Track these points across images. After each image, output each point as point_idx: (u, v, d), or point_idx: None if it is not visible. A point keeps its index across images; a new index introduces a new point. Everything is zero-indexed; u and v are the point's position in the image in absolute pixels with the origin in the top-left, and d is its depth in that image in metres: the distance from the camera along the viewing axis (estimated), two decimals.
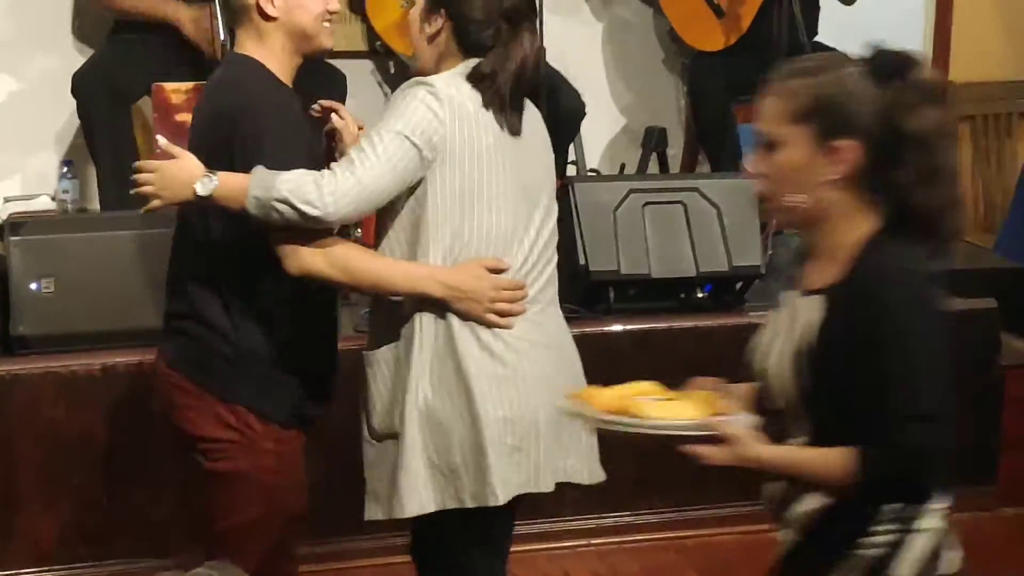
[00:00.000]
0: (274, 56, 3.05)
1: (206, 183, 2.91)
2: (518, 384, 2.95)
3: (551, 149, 3.14)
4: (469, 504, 2.92)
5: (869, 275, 2.31)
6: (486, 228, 2.94)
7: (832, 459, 2.30)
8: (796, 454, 2.36)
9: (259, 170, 2.88)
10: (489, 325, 2.93)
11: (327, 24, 3.10)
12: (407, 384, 2.94)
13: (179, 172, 2.93)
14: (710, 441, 2.35)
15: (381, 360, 3.01)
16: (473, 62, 2.96)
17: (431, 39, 3.01)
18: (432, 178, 2.91)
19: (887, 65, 2.36)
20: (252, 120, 2.97)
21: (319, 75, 4.45)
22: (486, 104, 2.93)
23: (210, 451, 3.08)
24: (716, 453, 2.36)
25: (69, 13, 5.57)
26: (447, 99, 2.90)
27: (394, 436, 2.96)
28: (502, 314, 2.94)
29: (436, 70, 2.99)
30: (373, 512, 3.02)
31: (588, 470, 3.12)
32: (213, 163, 2.93)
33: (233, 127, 2.97)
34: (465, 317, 2.93)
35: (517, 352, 2.96)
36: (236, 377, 3.06)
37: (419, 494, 2.92)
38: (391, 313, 2.99)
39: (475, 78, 2.94)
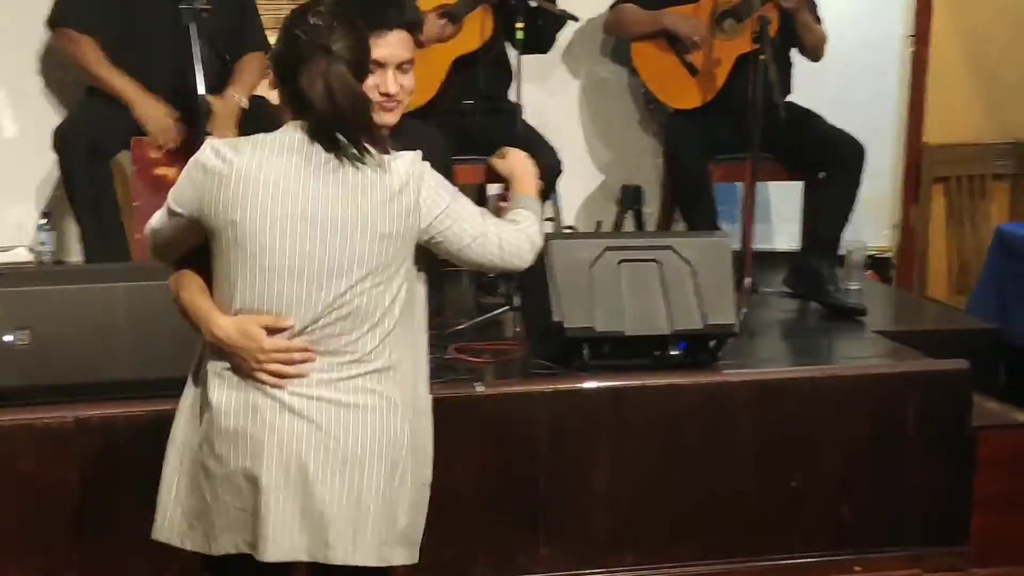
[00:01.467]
0: None
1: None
2: (246, 443, 2.96)
3: (391, 218, 2.98)
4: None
5: None
6: (268, 292, 2.94)
7: None
8: None
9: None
10: (262, 381, 2.96)
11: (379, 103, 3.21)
12: (176, 419, 3.09)
13: None
14: None
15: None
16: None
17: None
18: (214, 234, 2.96)
19: None
20: None
21: None
22: (296, 162, 2.93)
23: None
24: None
25: (49, 67, 5.59)
26: (229, 162, 2.92)
27: None
28: (275, 374, 2.96)
29: None
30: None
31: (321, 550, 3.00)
32: None
33: None
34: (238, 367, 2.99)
35: (257, 413, 2.97)
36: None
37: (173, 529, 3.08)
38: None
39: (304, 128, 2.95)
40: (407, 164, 3.00)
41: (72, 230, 5.30)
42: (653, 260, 4.40)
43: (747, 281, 5.13)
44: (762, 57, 5.09)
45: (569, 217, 5.93)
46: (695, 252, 4.42)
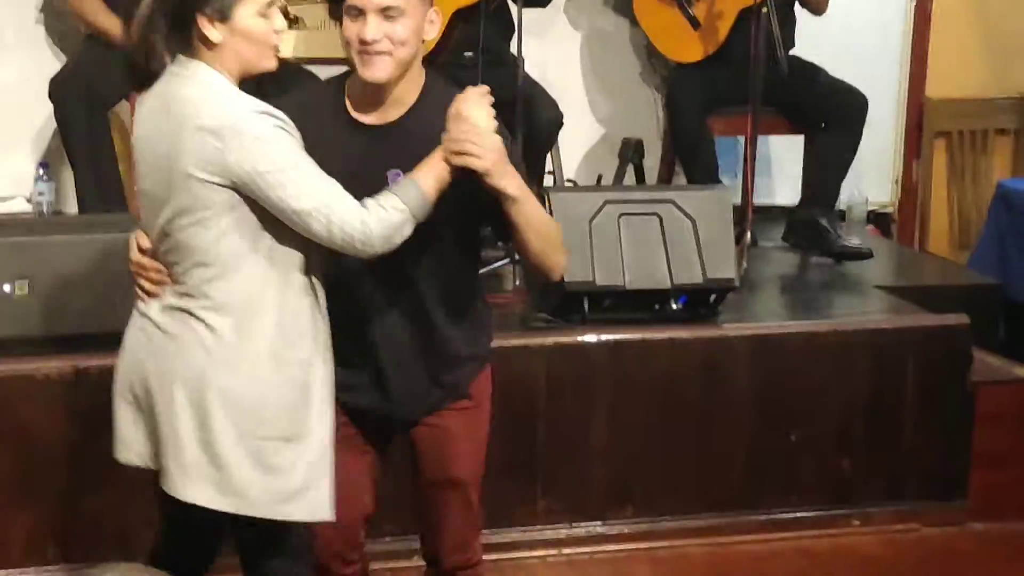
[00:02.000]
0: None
1: None
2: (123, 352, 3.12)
3: (195, 161, 2.88)
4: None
5: None
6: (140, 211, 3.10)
7: None
8: None
9: None
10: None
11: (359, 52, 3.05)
12: None
13: None
14: None
15: None
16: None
17: None
18: None
19: None
20: None
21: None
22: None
23: None
24: None
25: (46, 17, 5.56)
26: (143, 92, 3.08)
27: None
28: (140, 288, 3.06)
29: None
30: None
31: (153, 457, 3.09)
32: None
33: None
34: None
35: (132, 327, 3.11)
36: None
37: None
38: None
39: None
40: (229, 112, 2.88)
41: (71, 180, 5.28)
42: (654, 214, 4.39)
43: (747, 235, 5.12)
44: (765, 10, 5.06)
45: (570, 170, 5.90)
46: (696, 206, 4.41)
